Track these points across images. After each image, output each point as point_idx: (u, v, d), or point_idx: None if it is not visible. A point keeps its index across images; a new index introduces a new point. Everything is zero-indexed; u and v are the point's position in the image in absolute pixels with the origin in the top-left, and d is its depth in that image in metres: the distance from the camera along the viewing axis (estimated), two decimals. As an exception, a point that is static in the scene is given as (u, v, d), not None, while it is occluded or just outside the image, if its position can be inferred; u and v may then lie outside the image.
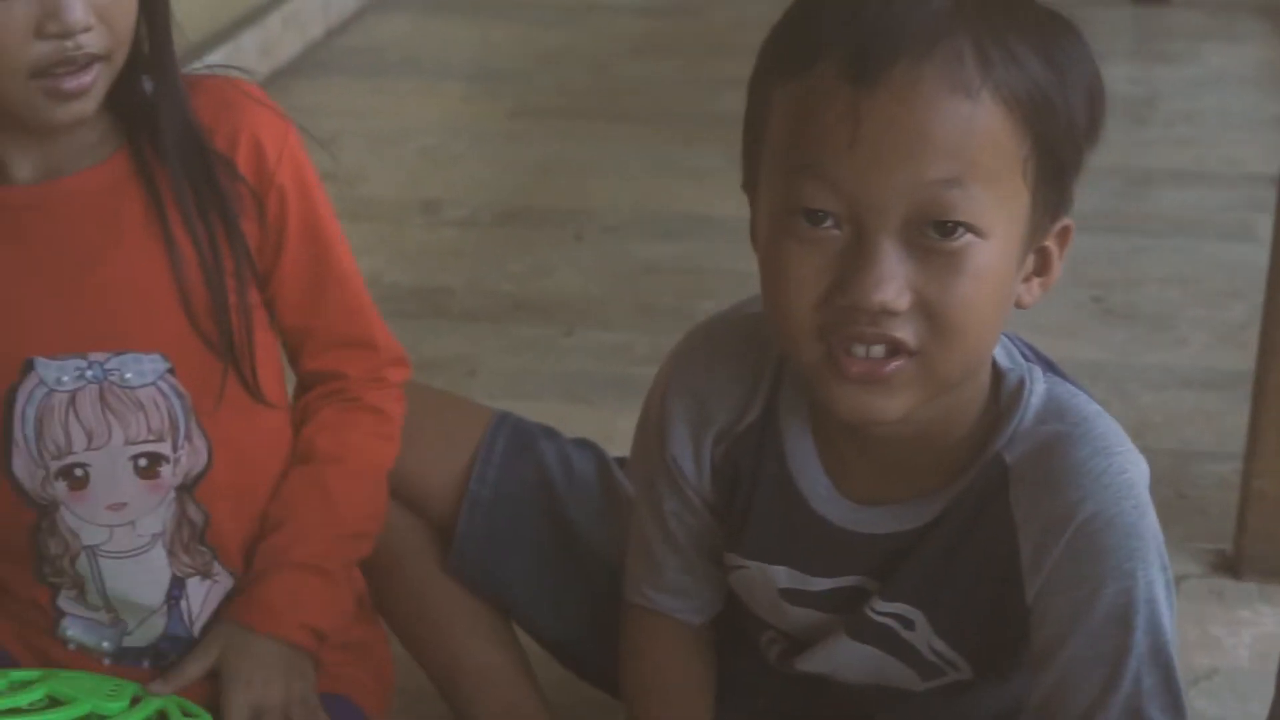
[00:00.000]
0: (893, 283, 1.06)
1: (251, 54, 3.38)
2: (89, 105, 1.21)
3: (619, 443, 1.54)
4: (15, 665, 1.35)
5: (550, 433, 1.53)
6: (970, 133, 1.05)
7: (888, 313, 1.07)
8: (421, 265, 2.67)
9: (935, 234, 1.06)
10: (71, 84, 1.19)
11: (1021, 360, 1.22)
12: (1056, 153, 1.09)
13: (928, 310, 1.07)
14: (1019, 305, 1.14)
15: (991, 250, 1.08)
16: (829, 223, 1.07)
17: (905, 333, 1.08)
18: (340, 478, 1.36)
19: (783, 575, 1.28)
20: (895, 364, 1.09)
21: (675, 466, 1.29)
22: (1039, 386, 1.20)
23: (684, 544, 1.33)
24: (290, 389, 1.41)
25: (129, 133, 1.27)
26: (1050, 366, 1.23)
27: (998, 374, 1.20)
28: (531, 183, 3.03)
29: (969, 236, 1.06)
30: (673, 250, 2.72)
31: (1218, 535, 1.93)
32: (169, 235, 1.26)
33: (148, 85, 1.27)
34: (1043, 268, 1.15)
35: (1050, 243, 1.14)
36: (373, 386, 1.39)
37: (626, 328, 2.46)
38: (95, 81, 1.20)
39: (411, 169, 3.09)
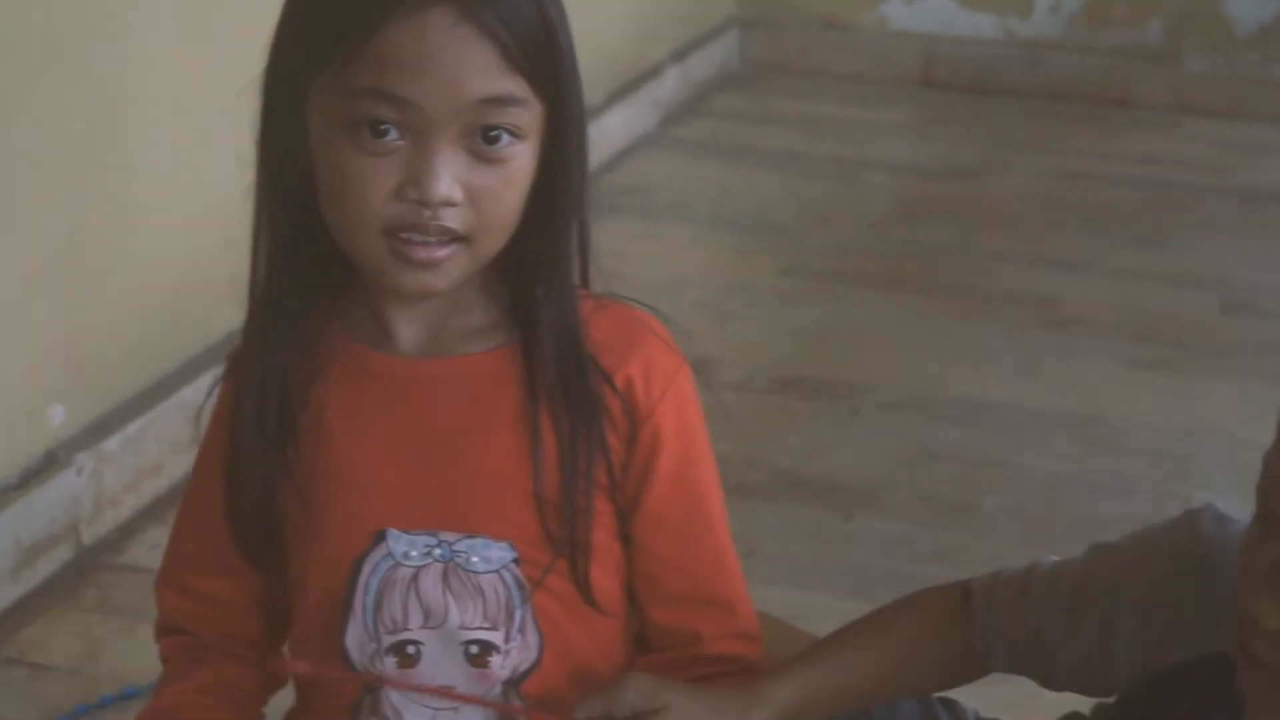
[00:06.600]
0: None
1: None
2: (437, 281, 1.20)
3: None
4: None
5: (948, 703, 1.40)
6: None
7: None
8: (697, 430, 2.63)
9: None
10: (420, 254, 1.18)
11: None
12: None
13: None
14: None
15: None
16: None
17: None
18: None
19: None
20: None
21: None
22: None
23: None
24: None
25: (519, 329, 1.26)
26: None
27: None
28: (806, 349, 2.99)
29: None
30: (952, 436, 2.66)
31: None
32: (536, 433, 1.25)
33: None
34: None
35: None
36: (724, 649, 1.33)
37: (907, 518, 2.40)
38: (449, 260, 1.19)
39: (685, 323, 3.06)
